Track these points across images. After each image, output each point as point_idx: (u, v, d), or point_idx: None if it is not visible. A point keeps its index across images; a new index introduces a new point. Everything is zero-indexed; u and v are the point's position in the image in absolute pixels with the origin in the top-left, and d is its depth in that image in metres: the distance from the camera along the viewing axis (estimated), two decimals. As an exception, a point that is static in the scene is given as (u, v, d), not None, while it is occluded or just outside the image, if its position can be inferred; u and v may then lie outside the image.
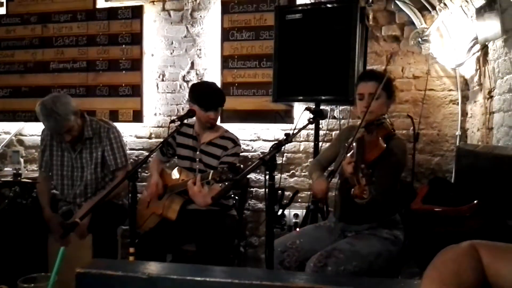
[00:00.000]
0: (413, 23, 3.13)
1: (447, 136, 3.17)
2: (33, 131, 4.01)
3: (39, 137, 3.93)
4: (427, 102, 3.16)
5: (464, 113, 3.12)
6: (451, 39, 3.02)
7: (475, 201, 2.24)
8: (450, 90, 3.15)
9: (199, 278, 1.11)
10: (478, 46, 2.78)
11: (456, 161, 3.01)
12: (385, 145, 1.90)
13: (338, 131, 3.30)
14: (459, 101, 3.10)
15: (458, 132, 3.11)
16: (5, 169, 3.82)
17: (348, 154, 1.89)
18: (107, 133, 2.78)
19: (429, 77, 3.13)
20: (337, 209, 2.25)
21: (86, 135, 2.75)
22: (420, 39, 3.06)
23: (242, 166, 2.21)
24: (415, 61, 3.19)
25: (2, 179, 3.33)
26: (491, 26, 2.42)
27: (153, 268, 1.18)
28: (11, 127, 4.05)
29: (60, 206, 2.91)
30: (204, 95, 2.65)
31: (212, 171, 2.34)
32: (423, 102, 3.13)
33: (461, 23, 2.90)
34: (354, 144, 1.92)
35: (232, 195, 2.88)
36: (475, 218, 2.20)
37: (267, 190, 1.67)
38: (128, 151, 3.75)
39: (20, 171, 3.46)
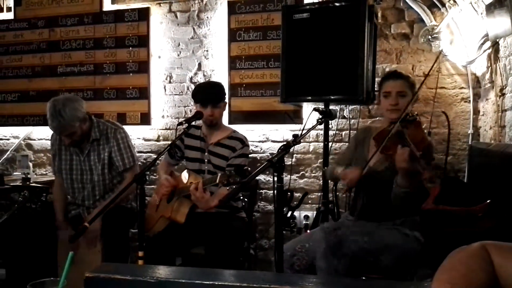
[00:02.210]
0: (422, 21, 3.09)
1: (459, 135, 3.12)
2: (41, 135, 4.03)
3: (48, 141, 3.98)
4: (438, 101, 3.11)
5: (476, 111, 3.07)
6: (462, 36, 2.98)
7: (488, 201, 2.20)
8: (462, 88, 3.10)
9: (207, 282, 1.10)
10: (489, 43, 2.74)
11: (468, 160, 2.96)
12: (430, 138, 1.94)
13: (348, 131, 3.27)
14: (471, 99, 3.05)
15: (470, 131, 3.06)
16: (14, 173, 3.84)
17: (399, 148, 1.85)
18: (114, 133, 2.78)
19: (439, 75, 3.09)
20: (356, 207, 2.23)
21: (93, 137, 2.75)
22: (430, 37, 3.03)
23: (249, 168, 2.19)
24: (425, 59, 3.14)
25: (12, 184, 3.34)
26: (502, 23, 2.38)
27: (161, 272, 1.17)
28: (20, 131, 4.07)
29: (69, 210, 2.91)
30: (198, 90, 2.70)
31: (219, 174, 2.32)
32: (434, 100, 3.09)
33: (471, 20, 2.86)
34: (393, 138, 1.92)
35: (241, 197, 2.86)
36: (487, 218, 2.16)
37: (275, 192, 1.64)
38: (136, 154, 3.75)
39: (29, 176, 3.47)
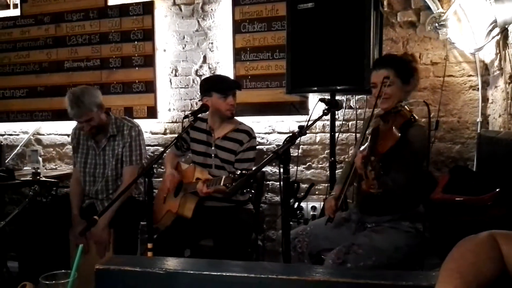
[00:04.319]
0: (429, 8, 3.05)
1: (468, 123, 3.09)
2: (50, 130, 4.07)
3: (57, 136, 4.05)
4: (446, 89, 3.08)
5: (485, 99, 3.04)
6: (469, 23, 2.94)
7: (497, 190, 2.18)
8: (470, 75, 3.06)
9: (215, 273, 1.11)
10: (497, 30, 2.69)
11: (477, 149, 2.94)
12: (399, 134, 1.84)
13: (354, 121, 3.26)
14: (479, 86, 3.02)
15: (479, 119, 3.03)
16: (24, 168, 3.89)
17: (362, 147, 1.85)
18: (130, 130, 2.87)
19: (447, 63, 3.05)
20: (357, 200, 2.23)
21: (110, 132, 2.85)
22: (437, 24, 2.99)
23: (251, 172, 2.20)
24: (433, 47, 3.10)
25: (22, 178, 3.38)
26: (511, 8, 2.34)
27: (170, 263, 1.18)
28: (29, 127, 4.11)
29: (83, 200, 2.98)
30: (220, 81, 2.70)
31: (224, 177, 2.34)
32: (442, 88, 3.06)
33: (479, 6, 2.82)
34: (368, 135, 1.89)
35: (248, 189, 2.86)
36: (497, 207, 2.14)
37: (281, 183, 1.64)
38: (146, 154, 3.76)
39: (39, 170, 3.50)
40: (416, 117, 2.06)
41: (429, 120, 1.95)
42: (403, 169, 1.92)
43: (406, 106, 2.00)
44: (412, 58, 2.20)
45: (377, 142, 1.83)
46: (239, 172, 2.21)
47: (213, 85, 2.66)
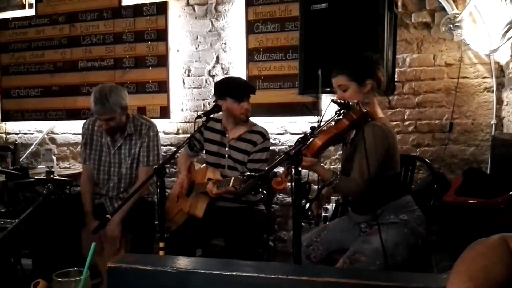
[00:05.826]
0: (444, 9, 3.02)
1: (482, 125, 3.05)
2: (64, 129, 4.12)
3: (71, 135, 4.08)
4: (461, 91, 3.05)
5: (500, 101, 3.00)
6: (485, 24, 2.91)
7: (510, 193, 2.15)
8: (485, 77, 3.02)
9: (226, 272, 1.12)
10: (513, 31, 2.66)
11: (491, 151, 2.90)
12: (335, 132, 1.91)
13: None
14: (494, 88, 2.98)
15: (493, 121, 2.99)
16: (39, 167, 3.94)
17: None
18: (147, 130, 2.86)
19: (462, 64, 3.02)
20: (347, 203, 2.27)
21: (128, 131, 2.83)
22: (451, 25, 2.96)
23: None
24: (447, 48, 3.07)
25: (36, 177, 3.42)
26: (528, 9, 2.31)
27: (181, 262, 1.19)
28: (43, 126, 4.17)
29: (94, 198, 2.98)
30: (235, 86, 2.68)
31: (233, 178, 2.34)
32: (456, 90, 3.03)
33: (495, 7, 2.78)
34: None
35: (260, 190, 2.87)
36: (510, 210, 2.12)
37: (293, 184, 1.64)
38: (162, 155, 3.78)
39: (53, 169, 3.55)
40: (381, 116, 2.08)
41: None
42: (359, 164, 1.96)
43: (356, 106, 1.93)
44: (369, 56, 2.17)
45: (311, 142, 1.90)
46: (248, 173, 2.22)
47: (227, 90, 2.64)
